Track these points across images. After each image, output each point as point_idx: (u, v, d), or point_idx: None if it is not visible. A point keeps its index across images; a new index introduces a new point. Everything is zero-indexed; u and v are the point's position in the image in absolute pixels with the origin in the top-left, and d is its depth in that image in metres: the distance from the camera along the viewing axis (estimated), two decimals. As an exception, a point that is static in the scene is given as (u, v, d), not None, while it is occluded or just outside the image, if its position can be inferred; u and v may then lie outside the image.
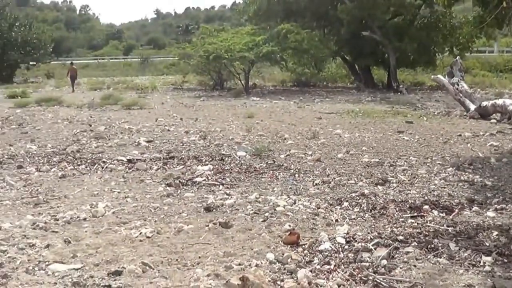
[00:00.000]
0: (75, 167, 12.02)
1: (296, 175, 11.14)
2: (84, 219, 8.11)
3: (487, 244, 6.89)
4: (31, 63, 76.41)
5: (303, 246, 6.84)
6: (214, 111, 24.01)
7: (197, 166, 11.91)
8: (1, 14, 70.18)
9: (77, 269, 6.18)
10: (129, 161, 12.63)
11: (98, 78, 57.96)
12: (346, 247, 6.81)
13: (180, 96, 34.11)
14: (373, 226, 7.67)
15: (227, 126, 18.55)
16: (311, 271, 6.06)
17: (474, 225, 7.66)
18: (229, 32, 43.55)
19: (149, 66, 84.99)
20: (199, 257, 6.48)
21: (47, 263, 6.38)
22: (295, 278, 5.84)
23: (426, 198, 9.22)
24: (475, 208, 8.67)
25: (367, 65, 40.77)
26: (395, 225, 7.68)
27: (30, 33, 71.82)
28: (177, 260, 6.42)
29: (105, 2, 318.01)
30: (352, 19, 37.12)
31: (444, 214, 8.28)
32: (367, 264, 6.21)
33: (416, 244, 6.85)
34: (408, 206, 8.59)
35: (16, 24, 71.97)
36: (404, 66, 41.62)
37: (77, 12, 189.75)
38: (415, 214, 8.19)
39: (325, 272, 6.05)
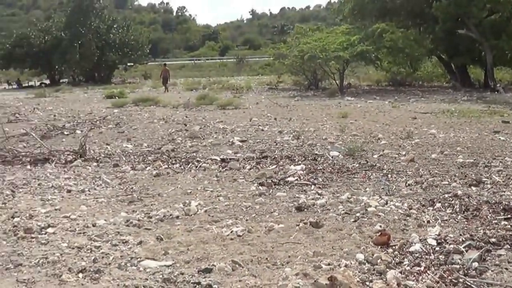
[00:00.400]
0: (170, 166, 12.25)
1: (389, 176, 10.97)
2: (177, 217, 8.26)
3: None
4: (128, 64, 78.21)
5: (394, 247, 6.74)
6: (308, 111, 24.02)
7: (290, 165, 11.90)
8: (100, 17, 72.08)
9: (168, 266, 6.29)
10: (223, 160, 12.74)
11: (194, 78, 58.86)
12: (437, 248, 6.66)
13: (274, 96, 34.26)
14: (465, 228, 7.48)
15: (320, 126, 18.51)
16: (400, 272, 5.97)
17: None
18: (324, 32, 43.51)
19: (245, 67, 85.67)
20: (289, 256, 6.49)
21: (139, 259, 6.52)
22: (384, 279, 5.76)
23: (521, 200, 8.96)
24: None
25: (463, 63, 39.83)
26: (488, 227, 7.47)
27: (128, 34, 73.50)
28: (266, 259, 6.44)
29: (201, 4, 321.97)
30: (448, 16, 36.45)
31: (540, 217, 8.04)
32: (458, 266, 6.07)
33: (509, 247, 6.65)
34: (502, 208, 8.33)
35: (114, 26, 73.83)
36: (501, 64, 40.56)
37: (174, 13, 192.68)
38: (509, 216, 7.95)
39: (415, 273, 5.95)
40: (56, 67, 74.90)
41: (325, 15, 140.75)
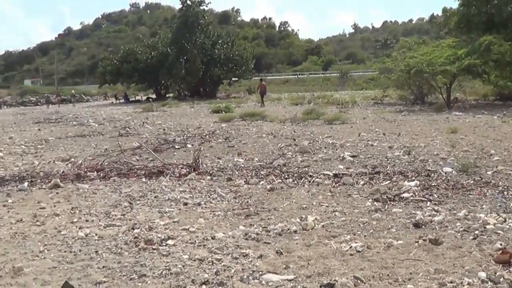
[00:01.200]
0: (283, 181, 12.31)
1: (505, 193, 10.72)
2: (295, 231, 8.29)
3: None
4: (233, 79, 79.09)
5: (516, 265, 6.63)
6: (416, 126, 23.71)
7: (403, 181, 11.77)
8: (205, 32, 73.36)
9: (290, 280, 6.33)
10: (336, 175, 12.69)
11: (298, 93, 58.94)
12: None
13: (381, 111, 33.99)
14: None
15: (430, 141, 18.22)
16: (524, 291, 5.87)
17: None
18: (430, 46, 42.93)
19: (348, 81, 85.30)
20: (410, 273, 6.43)
21: (260, 273, 6.60)
22: (508, 299, 5.68)
23: None
24: None
25: None
26: None
27: (232, 50, 74.49)
28: (388, 275, 6.41)
29: (303, 18, 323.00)
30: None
31: None
32: None
33: None
34: None
35: (219, 41, 75.01)
36: None
37: (277, 28, 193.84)
38: None
39: (539, 292, 5.84)
40: (162, 82, 76.79)
41: (428, 28, 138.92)
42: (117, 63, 78.29)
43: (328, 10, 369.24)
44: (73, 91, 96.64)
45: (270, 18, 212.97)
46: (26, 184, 13.37)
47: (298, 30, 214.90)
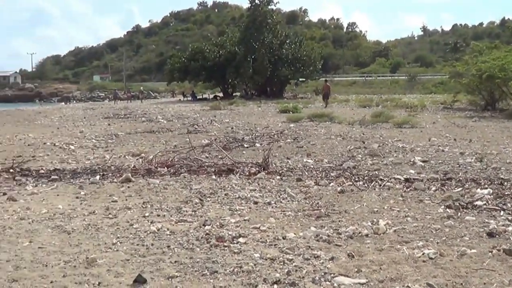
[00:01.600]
0: (353, 183, 12.21)
1: None
2: (366, 235, 8.23)
3: None
4: (300, 79, 79.01)
5: None
6: (487, 133, 23.27)
7: (476, 189, 11.53)
8: (273, 32, 73.40)
9: (362, 284, 6.29)
10: (407, 180, 12.53)
11: (366, 95, 58.62)
12: None
13: (450, 116, 33.52)
14: None
15: (502, 149, 17.85)
16: None
17: None
18: (502, 50, 42.17)
19: (416, 84, 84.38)
20: (484, 283, 6.31)
21: (332, 275, 6.57)
22: None
23: None
24: None
25: None
26: None
27: (300, 50, 74.45)
28: (461, 284, 6.30)
29: (371, 19, 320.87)
30: None
31: None
32: None
33: None
34: None
35: (287, 41, 75.07)
36: None
37: (344, 29, 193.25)
38: None
39: None
40: (230, 80, 77.05)
41: (499, 32, 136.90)
42: (185, 61, 79.09)
43: (396, 12, 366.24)
44: (141, 87, 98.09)
45: (338, 19, 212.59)
46: (98, 177, 13.64)
47: (366, 31, 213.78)
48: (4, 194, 11.89)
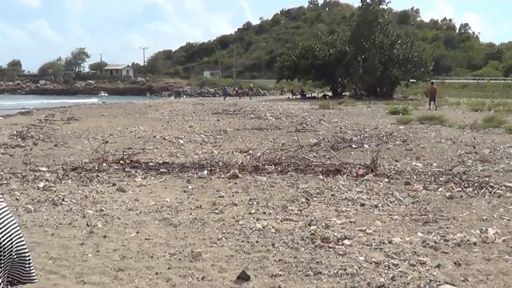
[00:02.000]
0: (463, 189, 11.92)
1: None
2: (474, 243, 8.04)
3: None
4: (411, 80, 77.92)
5: None
6: None
7: None
8: (384, 32, 72.65)
9: (469, 294, 6.20)
10: (517, 188, 12.17)
11: (477, 99, 57.23)
12: None
13: None
14: None
15: None
16: None
17: None
18: None
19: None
20: None
21: (438, 282, 6.48)
22: None
23: None
24: None
25: None
26: None
27: (411, 51, 73.36)
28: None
29: (485, 21, 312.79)
30: None
31: None
32: None
33: None
34: None
35: (398, 41, 74.07)
36: None
37: (457, 30, 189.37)
38: None
39: None
40: (339, 79, 76.85)
41: None
42: (295, 59, 79.43)
43: (511, 13, 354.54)
44: (251, 84, 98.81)
45: (450, 20, 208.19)
46: (205, 172, 13.89)
47: (479, 33, 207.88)
48: (114, 184, 12.33)
